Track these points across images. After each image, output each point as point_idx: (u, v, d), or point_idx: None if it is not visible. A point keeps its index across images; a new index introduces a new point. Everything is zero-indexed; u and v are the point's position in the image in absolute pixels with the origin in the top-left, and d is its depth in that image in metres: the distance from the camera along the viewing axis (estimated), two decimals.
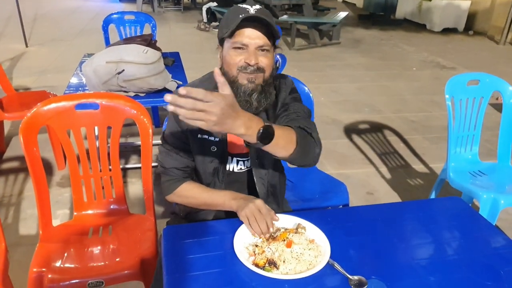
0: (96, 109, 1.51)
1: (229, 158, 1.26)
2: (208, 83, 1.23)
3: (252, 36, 1.09)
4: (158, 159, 1.29)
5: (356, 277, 0.97)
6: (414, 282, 0.98)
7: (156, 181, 2.59)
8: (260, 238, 1.07)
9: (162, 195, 2.46)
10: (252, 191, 1.30)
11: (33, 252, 1.38)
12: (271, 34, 1.11)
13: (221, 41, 1.16)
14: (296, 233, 1.09)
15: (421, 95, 4.52)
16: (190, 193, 1.25)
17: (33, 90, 4.02)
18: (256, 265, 0.98)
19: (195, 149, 1.23)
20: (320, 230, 1.11)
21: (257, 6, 1.10)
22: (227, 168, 1.27)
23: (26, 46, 5.63)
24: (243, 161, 1.28)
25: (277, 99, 1.24)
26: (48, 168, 2.69)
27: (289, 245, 1.03)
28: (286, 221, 1.16)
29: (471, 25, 8.04)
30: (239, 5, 1.12)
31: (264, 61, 1.12)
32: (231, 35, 1.10)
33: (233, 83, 1.12)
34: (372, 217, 1.25)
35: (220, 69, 1.18)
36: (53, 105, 1.45)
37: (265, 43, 1.10)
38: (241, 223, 1.12)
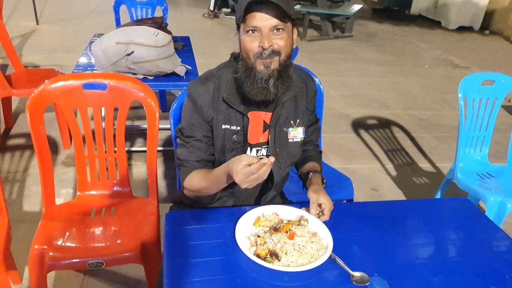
0: (104, 89, 1.50)
1: (253, 147, 1.24)
2: (226, 73, 1.20)
3: (263, 18, 1.06)
4: (175, 152, 1.27)
5: (358, 273, 0.95)
6: (417, 282, 0.96)
7: (161, 166, 2.60)
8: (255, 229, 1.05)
9: (166, 179, 2.47)
10: (268, 178, 1.26)
11: (36, 229, 1.38)
12: (284, 12, 1.07)
13: (238, 26, 1.14)
14: (299, 225, 1.08)
15: (432, 93, 4.45)
16: (193, 182, 1.20)
17: (42, 68, 4.02)
18: (258, 256, 0.97)
19: (217, 139, 1.21)
20: (323, 224, 1.10)
21: None
22: None
23: (37, 23, 5.62)
24: (261, 149, 1.26)
25: (307, 94, 1.29)
26: (54, 147, 2.69)
27: (291, 237, 1.02)
28: (289, 212, 1.15)
29: (488, 24, 7.87)
30: None
31: (280, 42, 1.09)
32: (243, 19, 1.08)
33: (251, 69, 1.10)
34: (377, 213, 1.23)
35: (239, 55, 1.17)
36: (60, 83, 1.44)
37: (278, 23, 1.07)
38: (244, 212, 1.10)
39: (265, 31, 1.07)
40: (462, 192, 2.07)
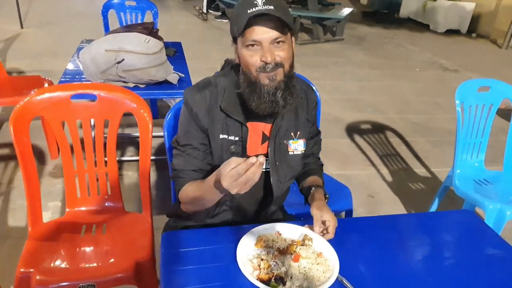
0: (94, 100, 1.43)
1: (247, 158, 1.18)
2: (224, 81, 1.15)
3: (263, 31, 1.02)
4: (171, 164, 1.21)
5: None
6: None
7: (153, 175, 2.52)
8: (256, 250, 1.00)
9: (158, 189, 2.40)
10: (268, 192, 1.23)
11: (22, 245, 1.30)
12: (284, 23, 1.03)
13: (234, 39, 1.09)
14: (303, 245, 1.03)
15: (424, 97, 4.46)
16: (186, 194, 1.14)
17: (28, 74, 3.90)
18: (261, 280, 0.91)
19: (215, 149, 1.15)
20: (327, 242, 1.05)
21: None
22: None
23: (21, 27, 5.46)
24: (268, 161, 1.20)
25: (308, 105, 1.25)
26: (40, 157, 2.60)
27: (296, 259, 0.97)
28: (291, 231, 1.09)
29: (475, 27, 7.97)
30: None
31: (281, 54, 1.05)
32: (242, 33, 1.03)
33: (255, 84, 1.06)
34: (381, 229, 1.19)
35: (238, 65, 1.12)
36: (47, 95, 1.36)
37: (278, 35, 1.03)
38: (246, 232, 1.05)
39: (266, 45, 1.02)
40: (458, 198, 2.05)
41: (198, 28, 6.60)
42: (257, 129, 1.17)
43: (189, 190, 1.13)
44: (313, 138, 1.33)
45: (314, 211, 1.11)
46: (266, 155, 1.19)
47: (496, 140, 2.49)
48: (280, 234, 1.07)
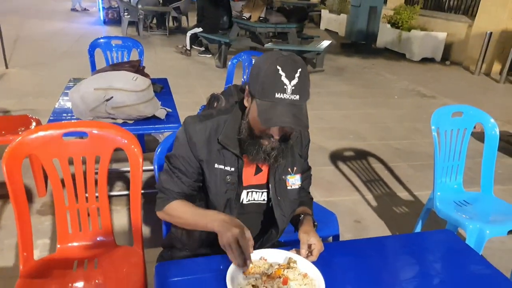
0: (85, 137, 1.48)
1: (243, 189, 1.25)
2: (225, 116, 1.22)
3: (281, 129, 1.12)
4: (159, 174, 1.28)
5: None
6: None
7: (143, 209, 2.53)
8: (246, 279, 1.04)
9: (150, 224, 2.41)
10: (270, 223, 1.29)
11: (12, 285, 1.30)
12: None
13: (251, 93, 1.12)
14: (288, 268, 1.07)
15: (404, 123, 4.62)
16: (176, 212, 1.23)
17: (13, 113, 3.92)
18: None
19: (210, 179, 1.22)
20: (310, 263, 1.10)
21: (295, 80, 1.03)
22: (241, 200, 1.26)
23: (6, 67, 5.51)
24: (261, 192, 1.28)
25: (301, 143, 1.34)
26: (28, 195, 2.55)
27: (285, 282, 1.01)
28: (276, 256, 1.14)
29: (448, 55, 8.39)
30: (277, 68, 1.03)
31: (291, 131, 1.14)
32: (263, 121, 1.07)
33: (255, 143, 1.14)
34: (366, 251, 1.24)
35: (247, 116, 1.17)
36: (40, 134, 1.41)
37: None
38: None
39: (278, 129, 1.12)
40: (441, 220, 2.12)
41: (183, 64, 6.77)
42: (252, 162, 1.24)
43: (181, 210, 1.23)
44: (304, 173, 1.40)
45: (301, 235, 1.17)
46: (257, 186, 1.26)
47: (474, 163, 2.60)
48: (265, 260, 1.12)
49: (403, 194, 3.06)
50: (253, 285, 1.00)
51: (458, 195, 2.24)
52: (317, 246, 1.14)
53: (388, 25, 9.01)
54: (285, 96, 1.03)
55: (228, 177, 1.20)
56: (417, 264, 1.20)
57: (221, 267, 1.07)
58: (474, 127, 2.20)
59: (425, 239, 1.39)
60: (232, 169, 1.20)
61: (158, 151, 1.46)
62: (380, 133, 4.28)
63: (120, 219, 2.42)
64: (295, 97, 1.04)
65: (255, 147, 1.13)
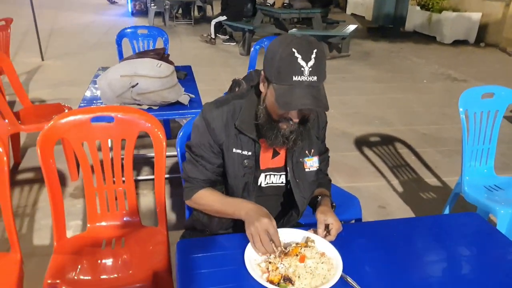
0: (111, 122, 1.53)
1: (261, 172, 1.27)
2: (241, 101, 1.23)
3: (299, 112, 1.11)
4: (183, 164, 1.31)
5: None
6: None
7: (168, 193, 2.61)
8: (263, 256, 1.07)
9: (174, 206, 2.48)
10: (290, 205, 1.31)
11: (46, 262, 1.39)
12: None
13: (267, 79, 1.12)
14: (306, 247, 1.09)
15: (432, 108, 4.49)
16: (204, 200, 1.26)
17: (48, 102, 4.10)
18: (271, 282, 0.97)
19: (228, 163, 1.24)
20: (328, 243, 1.11)
21: (312, 61, 1.03)
22: (259, 183, 1.28)
23: (42, 59, 5.77)
24: (279, 175, 1.29)
25: (319, 125, 1.33)
26: (61, 179, 2.68)
27: (302, 259, 1.03)
28: (294, 235, 1.15)
29: (482, 37, 8.00)
30: (293, 50, 1.02)
31: (309, 112, 1.14)
32: (281, 104, 1.06)
33: (273, 128, 1.14)
34: (387, 232, 1.24)
35: (258, 86, 1.19)
36: (70, 118, 1.48)
37: None
38: None
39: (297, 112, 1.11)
40: (471, 206, 2.06)
41: (207, 52, 6.81)
42: (268, 145, 1.25)
43: (209, 199, 1.25)
44: (322, 155, 1.39)
45: (318, 215, 1.18)
46: (275, 169, 1.28)
47: (508, 148, 2.49)
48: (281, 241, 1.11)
49: (430, 180, 2.99)
50: (270, 262, 1.03)
51: (488, 180, 2.17)
52: (335, 226, 1.15)
53: (418, 7, 8.68)
54: (303, 78, 1.03)
55: (245, 161, 1.22)
56: (441, 247, 1.18)
57: (240, 245, 1.10)
58: (511, 111, 2.09)
59: (450, 222, 1.36)
60: (249, 153, 1.22)
61: (181, 134, 1.50)
62: (407, 118, 4.17)
63: (146, 202, 2.51)
64: (312, 78, 1.03)
65: (274, 131, 1.14)
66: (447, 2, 8.34)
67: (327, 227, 1.15)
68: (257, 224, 1.07)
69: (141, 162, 2.94)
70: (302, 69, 1.02)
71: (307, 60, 1.02)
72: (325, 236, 1.14)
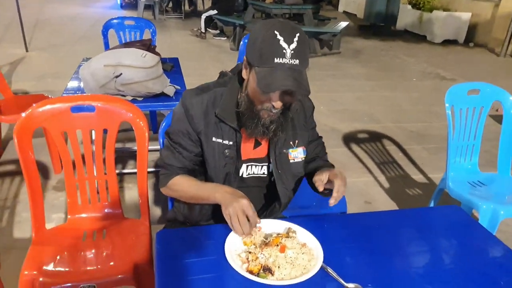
0: (92, 111, 1.50)
1: (243, 163, 1.24)
2: (223, 89, 1.21)
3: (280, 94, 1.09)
4: (160, 151, 1.29)
5: (352, 285, 0.94)
6: None
7: (152, 187, 2.58)
8: (241, 237, 1.06)
9: (158, 201, 2.45)
10: (274, 197, 1.29)
11: (25, 256, 1.35)
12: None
13: (249, 63, 1.10)
14: (287, 237, 1.07)
15: (420, 106, 4.52)
16: (180, 186, 1.23)
17: (32, 94, 4.02)
18: (251, 272, 0.96)
19: (208, 152, 1.21)
20: (310, 233, 1.10)
21: (294, 44, 1.01)
22: (240, 174, 1.25)
23: (26, 51, 5.64)
24: (260, 166, 1.27)
25: (305, 113, 1.31)
26: (45, 172, 2.67)
27: (282, 250, 1.01)
28: (276, 226, 1.14)
29: (472, 37, 8.09)
30: (275, 33, 1.01)
31: (290, 100, 1.11)
32: (261, 86, 1.04)
33: (254, 116, 1.12)
34: (369, 224, 1.23)
35: (240, 74, 1.17)
36: (48, 107, 1.44)
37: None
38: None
39: (279, 93, 1.07)
40: (455, 201, 2.07)
41: (197, 47, 6.76)
42: (250, 136, 1.23)
43: (185, 185, 1.22)
44: (313, 142, 1.37)
45: (315, 177, 1.17)
46: (256, 160, 1.26)
47: (492, 146, 2.51)
48: (260, 230, 1.10)
49: (416, 177, 3.01)
50: (250, 252, 1.01)
51: (472, 176, 2.19)
52: (338, 182, 1.13)
53: (409, 6, 8.73)
54: (285, 60, 1.01)
55: (226, 151, 1.20)
56: (423, 238, 1.18)
57: (220, 235, 1.08)
58: (497, 110, 2.11)
59: (433, 214, 1.37)
60: (230, 142, 1.19)
61: (163, 125, 1.47)
62: (395, 115, 4.20)
63: (131, 196, 2.48)
64: (294, 61, 1.02)
65: (254, 120, 1.12)
66: (438, 1, 8.41)
67: (330, 192, 1.14)
68: (236, 205, 1.05)
69: (127, 156, 2.90)
70: (284, 51, 1.01)
71: (289, 42, 1.01)
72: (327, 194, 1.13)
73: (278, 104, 1.09)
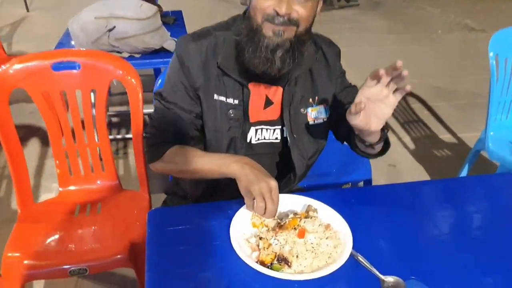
0: (77, 69, 1.29)
1: (251, 126, 1.01)
2: (225, 33, 0.98)
3: None
4: (150, 115, 1.04)
5: (390, 278, 0.75)
6: (466, 285, 0.76)
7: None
8: (257, 218, 0.86)
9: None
10: (286, 167, 1.06)
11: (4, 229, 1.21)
12: None
13: None
14: (307, 217, 0.87)
15: (447, 59, 4.18)
16: (179, 158, 0.96)
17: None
18: (262, 263, 0.77)
19: (208, 114, 0.98)
20: (335, 211, 0.89)
21: None
22: (248, 139, 1.02)
23: (27, 10, 5.39)
24: (272, 129, 1.04)
25: (327, 61, 1.06)
26: (44, 139, 2.52)
27: (301, 234, 0.81)
28: (292, 202, 0.93)
29: None
30: None
31: (301, 11, 0.86)
32: None
33: (255, 32, 0.88)
34: (407, 197, 1.02)
35: (245, 12, 0.94)
36: (24, 64, 1.23)
37: None
38: (240, 206, 0.89)
39: None
40: (491, 166, 1.85)
41: (206, 1, 6.37)
42: (260, 92, 0.99)
43: (187, 155, 0.96)
44: (346, 89, 1.11)
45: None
46: (269, 122, 1.03)
47: None
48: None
49: (444, 136, 2.77)
50: (261, 238, 0.82)
51: None
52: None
53: None
54: None
55: (231, 111, 0.97)
56: (467, 213, 0.97)
57: (225, 216, 0.89)
58: None
59: (478, 184, 1.13)
60: (236, 101, 0.97)
61: (159, 82, 1.26)
62: (419, 70, 3.86)
63: (133, 163, 2.31)
64: None
65: (255, 39, 0.88)
66: None
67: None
68: (264, 185, 0.81)
69: (128, 120, 2.71)
70: None
71: None
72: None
73: (282, 9, 0.84)
